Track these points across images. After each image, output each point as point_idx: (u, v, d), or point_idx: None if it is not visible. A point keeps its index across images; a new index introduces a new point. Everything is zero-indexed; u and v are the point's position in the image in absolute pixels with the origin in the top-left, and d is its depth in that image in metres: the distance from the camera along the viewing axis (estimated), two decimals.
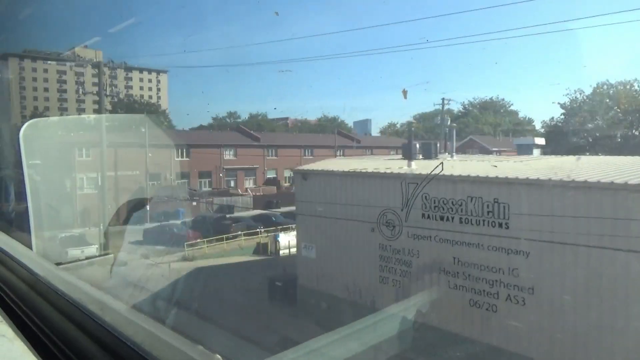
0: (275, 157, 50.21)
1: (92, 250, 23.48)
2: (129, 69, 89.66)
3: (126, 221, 25.29)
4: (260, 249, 28.07)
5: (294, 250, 26.34)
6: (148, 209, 33.27)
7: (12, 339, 1.78)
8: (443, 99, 38.74)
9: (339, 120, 71.84)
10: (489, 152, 40.42)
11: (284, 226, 30.52)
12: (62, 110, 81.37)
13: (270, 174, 50.02)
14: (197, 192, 42.64)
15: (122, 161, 35.15)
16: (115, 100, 71.66)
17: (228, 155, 46.88)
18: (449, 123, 39.85)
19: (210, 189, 44.23)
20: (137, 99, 75.26)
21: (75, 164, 32.52)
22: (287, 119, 72.06)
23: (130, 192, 32.76)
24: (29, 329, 1.87)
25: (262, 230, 30.07)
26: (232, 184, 46.30)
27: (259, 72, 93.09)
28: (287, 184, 48.89)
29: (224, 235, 28.26)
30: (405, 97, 42.23)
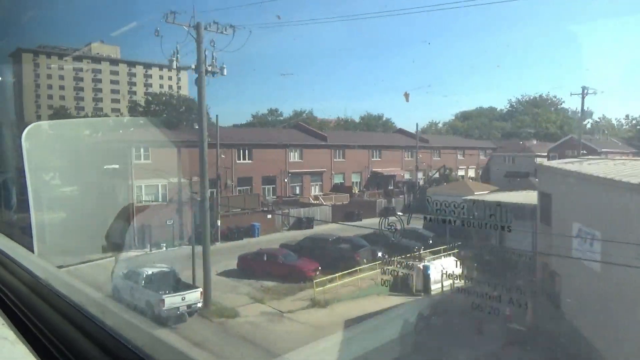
0: (343, 159, 49.14)
1: (196, 295, 19.96)
2: (148, 65, 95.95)
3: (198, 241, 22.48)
4: (399, 284, 24.06)
5: (447, 285, 21.24)
6: (219, 224, 32.57)
7: (14, 342, 2.10)
8: (584, 88, 35.09)
9: (384, 119, 72.38)
10: (596, 153, 38.58)
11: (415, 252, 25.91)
12: (97, 110, 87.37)
13: (337, 179, 48.47)
14: (266, 201, 40.85)
15: (176, 166, 33.98)
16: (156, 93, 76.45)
17: (292, 156, 45.66)
18: (592, 117, 37.49)
19: (274, 197, 43.15)
20: (174, 93, 76.83)
21: (113, 169, 31.36)
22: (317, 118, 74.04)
23: (193, 203, 31.18)
24: (30, 332, 2.19)
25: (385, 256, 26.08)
26: (297, 190, 45.14)
27: (259, 74, 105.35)
28: (357, 191, 47.81)
29: (357, 268, 25.02)
30: (407, 100, 41.50)
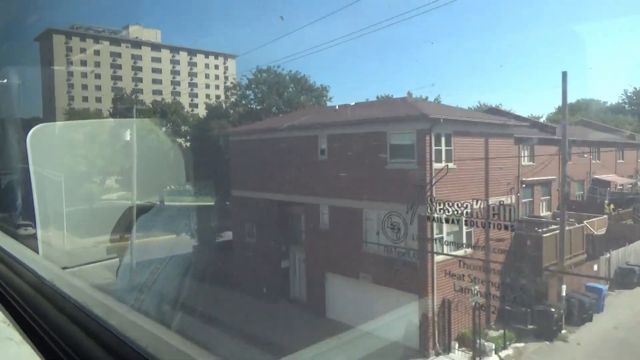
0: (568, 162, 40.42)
1: None
2: (192, 52, 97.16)
3: None
4: None
5: None
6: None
7: (19, 343, 2.48)
8: None
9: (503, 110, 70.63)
10: None
11: None
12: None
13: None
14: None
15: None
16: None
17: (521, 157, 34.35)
18: None
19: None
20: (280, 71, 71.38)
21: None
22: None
23: None
24: (35, 333, 2.58)
25: None
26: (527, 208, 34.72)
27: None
28: (612, 210, 36.01)
29: None
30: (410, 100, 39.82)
